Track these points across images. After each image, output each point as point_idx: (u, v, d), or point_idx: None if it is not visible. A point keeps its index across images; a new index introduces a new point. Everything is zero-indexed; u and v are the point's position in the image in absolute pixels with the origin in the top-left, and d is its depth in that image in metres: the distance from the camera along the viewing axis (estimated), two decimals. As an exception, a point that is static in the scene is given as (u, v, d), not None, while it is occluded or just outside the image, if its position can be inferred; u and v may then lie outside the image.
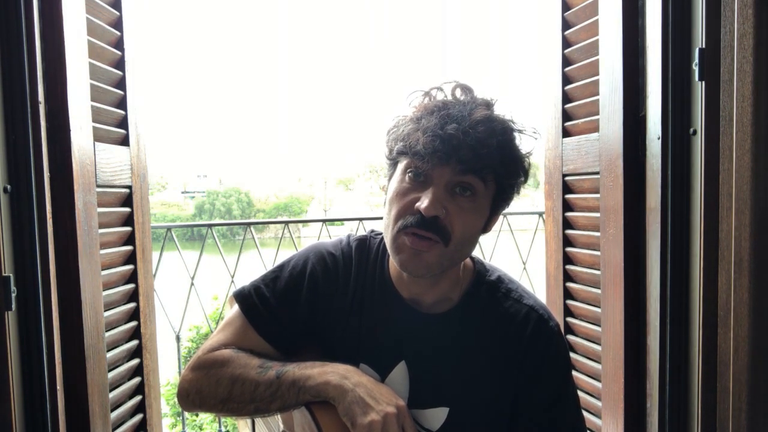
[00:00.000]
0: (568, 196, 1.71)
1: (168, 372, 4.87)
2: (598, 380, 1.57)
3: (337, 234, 1.27)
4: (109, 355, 1.45)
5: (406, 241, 0.91)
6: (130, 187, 1.57)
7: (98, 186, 1.40)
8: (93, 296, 1.35)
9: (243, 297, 1.03)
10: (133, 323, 1.58)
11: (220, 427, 3.19)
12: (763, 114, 1.05)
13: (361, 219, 3.14)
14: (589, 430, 1.62)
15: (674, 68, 1.25)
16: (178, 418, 4.57)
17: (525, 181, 0.99)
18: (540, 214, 3.17)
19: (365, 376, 0.90)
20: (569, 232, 1.72)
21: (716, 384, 1.16)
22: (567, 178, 1.69)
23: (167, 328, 2.71)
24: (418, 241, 0.90)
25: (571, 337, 1.71)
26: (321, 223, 3.22)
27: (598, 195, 1.54)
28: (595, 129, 1.53)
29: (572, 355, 1.69)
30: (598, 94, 1.50)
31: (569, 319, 1.73)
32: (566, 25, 1.65)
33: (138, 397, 1.60)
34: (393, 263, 0.99)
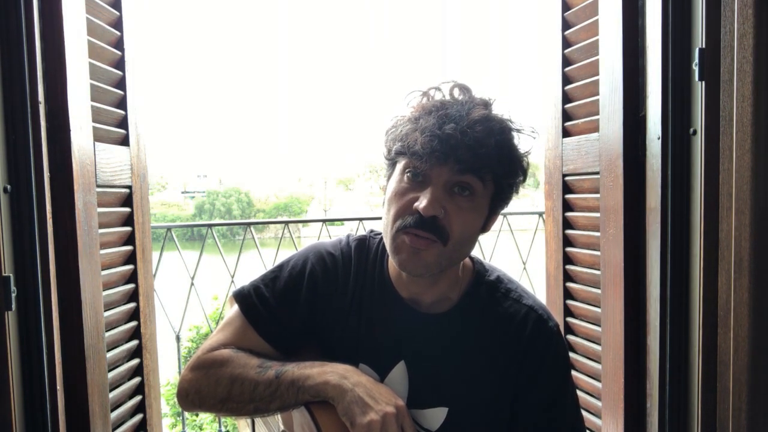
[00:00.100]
0: (568, 196, 1.71)
1: (168, 372, 4.87)
2: (598, 380, 1.57)
3: (337, 234, 1.27)
4: (109, 355, 1.45)
5: (404, 240, 0.91)
6: (130, 187, 1.57)
7: (98, 186, 1.40)
8: (93, 296, 1.35)
9: (242, 297, 1.03)
10: (133, 323, 1.58)
11: (220, 427, 3.19)
12: (763, 114, 1.05)
13: (361, 219, 3.14)
14: (589, 430, 1.62)
15: (674, 68, 1.25)
16: (178, 418, 4.57)
17: (524, 181, 0.99)
18: (540, 214, 3.17)
19: (364, 376, 0.90)
20: (569, 232, 1.72)
21: (716, 384, 1.16)
22: (567, 178, 1.69)
23: (167, 328, 2.71)
24: (416, 240, 0.90)
25: (571, 337, 1.71)
26: (321, 223, 3.22)
27: (598, 195, 1.54)
28: (595, 129, 1.53)
29: (572, 355, 1.70)
30: (598, 94, 1.50)
31: (569, 319, 1.73)
32: (566, 25, 1.65)
33: (138, 397, 1.60)
34: (392, 263, 0.99)
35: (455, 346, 1.00)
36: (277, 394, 0.90)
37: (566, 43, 1.65)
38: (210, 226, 3.18)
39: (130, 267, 1.57)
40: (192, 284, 2.84)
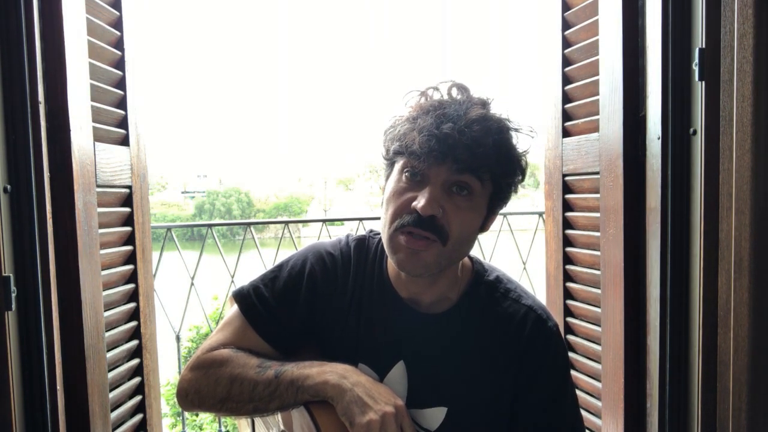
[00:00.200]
0: (568, 196, 1.71)
1: (168, 372, 4.88)
2: (598, 380, 1.57)
3: (337, 234, 1.27)
4: (109, 355, 1.45)
5: (402, 240, 0.91)
6: (130, 187, 1.57)
7: (98, 186, 1.40)
8: (93, 296, 1.35)
9: (242, 297, 1.03)
10: (133, 323, 1.58)
11: (220, 427, 3.19)
12: (763, 114, 1.05)
13: (361, 219, 3.14)
14: (589, 430, 1.62)
15: (674, 68, 1.25)
16: (178, 418, 4.57)
17: (522, 180, 0.99)
18: (540, 214, 3.17)
19: (364, 376, 0.91)
20: (569, 232, 1.72)
21: (716, 384, 1.16)
22: (567, 178, 1.69)
23: (167, 328, 2.71)
24: (414, 240, 0.90)
25: (571, 337, 1.71)
26: (321, 223, 3.22)
27: (598, 195, 1.54)
28: (595, 129, 1.52)
29: (572, 355, 1.70)
30: (598, 94, 1.50)
31: (569, 319, 1.73)
32: (566, 25, 1.65)
33: (138, 397, 1.60)
34: (391, 263, 0.99)
35: (454, 345, 1.00)
36: (277, 393, 0.90)
37: (566, 43, 1.65)
38: (210, 226, 3.18)
39: (130, 267, 1.57)
40: (192, 284, 2.84)
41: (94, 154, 1.38)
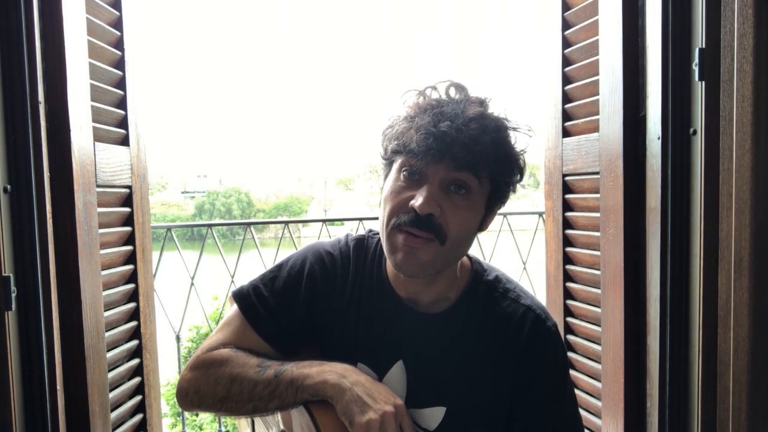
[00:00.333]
0: (568, 196, 1.71)
1: (168, 372, 4.87)
2: (598, 380, 1.57)
3: (337, 234, 1.27)
4: (109, 355, 1.45)
5: (399, 239, 0.91)
6: (130, 187, 1.57)
7: (98, 186, 1.40)
8: (93, 296, 1.35)
9: (241, 297, 1.03)
10: (133, 323, 1.58)
11: (220, 427, 3.19)
12: (763, 114, 1.05)
13: (361, 219, 3.14)
14: (589, 430, 1.62)
15: (674, 68, 1.25)
16: (178, 418, 4.57)
17: (521, 180, 0.99)
18: (540, 214, 3.17)
19: (363, 375, 0.90)
20: (569, 232, 1.72)
21: (716, 384, 1.16)
22: (567, 178, 1.69)
23: (167, 328, 2.71)
24: (412, 238, 0.90)
25: (571, 337, 1.71)
26: (321, 223, 3.23)
27: (598, 195, 1.53)
28: (595, 129, 1.52)
29: (572, 355, 1.70)
30: (598, 94, 1.50)
31: (569, 319, 1.73)
32: (566, 25, 1.65)
33: (138, 397, 1.60)
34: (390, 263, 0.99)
35: (453, 345, 1.00)
36: (276, 393, 0.90)
37: (566, 43, 1.65)
38: (210, 226, 3.18)
39: (130, 267, 1.57)
40: (192, 284, 2.84)
41: (94, 154, 1.38)
